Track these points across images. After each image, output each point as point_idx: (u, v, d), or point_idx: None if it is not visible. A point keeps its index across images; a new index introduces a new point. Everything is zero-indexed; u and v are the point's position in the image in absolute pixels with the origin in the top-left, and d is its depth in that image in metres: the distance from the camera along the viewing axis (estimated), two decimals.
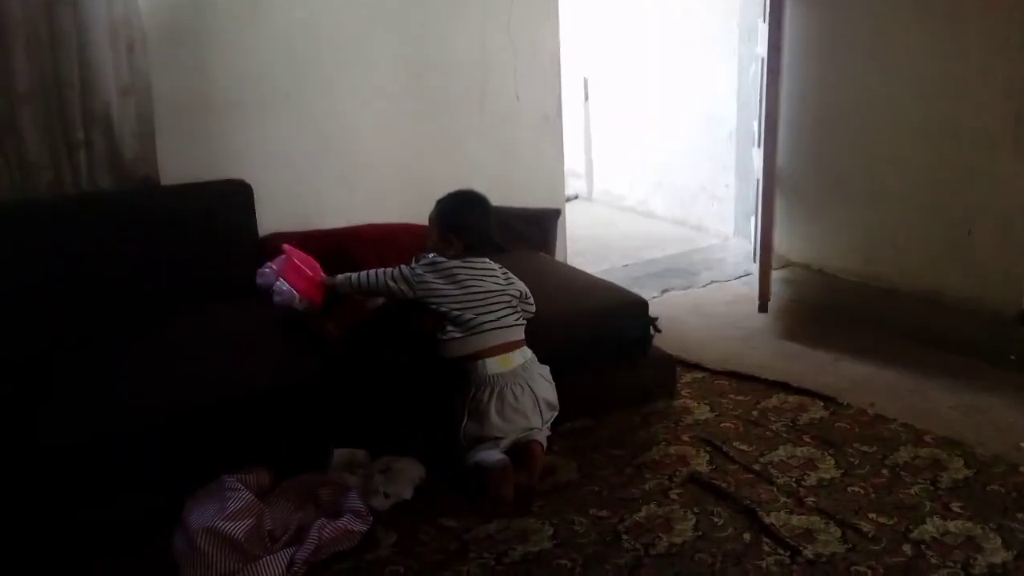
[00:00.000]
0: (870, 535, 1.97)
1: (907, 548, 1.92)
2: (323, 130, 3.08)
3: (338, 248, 2.92)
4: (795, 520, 2.04)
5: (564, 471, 2.29)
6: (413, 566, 1.92)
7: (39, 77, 2.50)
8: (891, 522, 2.02)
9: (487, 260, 2.39)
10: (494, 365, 2.25)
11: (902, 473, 2.23)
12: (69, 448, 1.91)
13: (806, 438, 2.44)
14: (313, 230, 3.00)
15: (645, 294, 3.46)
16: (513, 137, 3.49)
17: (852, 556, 1.90)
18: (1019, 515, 2.03)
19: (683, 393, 2.75)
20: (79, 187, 2.61)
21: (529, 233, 3.40)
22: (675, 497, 2.16)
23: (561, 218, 3.66)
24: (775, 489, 2.18)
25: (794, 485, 2.19)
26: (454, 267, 2.31)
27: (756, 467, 2.28)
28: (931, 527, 2.00)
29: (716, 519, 2.06)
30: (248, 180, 2.81)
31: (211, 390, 2.10)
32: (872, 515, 2.05)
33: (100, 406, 2.01)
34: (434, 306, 2.27)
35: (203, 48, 2.82)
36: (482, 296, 2.29)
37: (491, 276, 2.35)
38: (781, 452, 2.36)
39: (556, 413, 2.38)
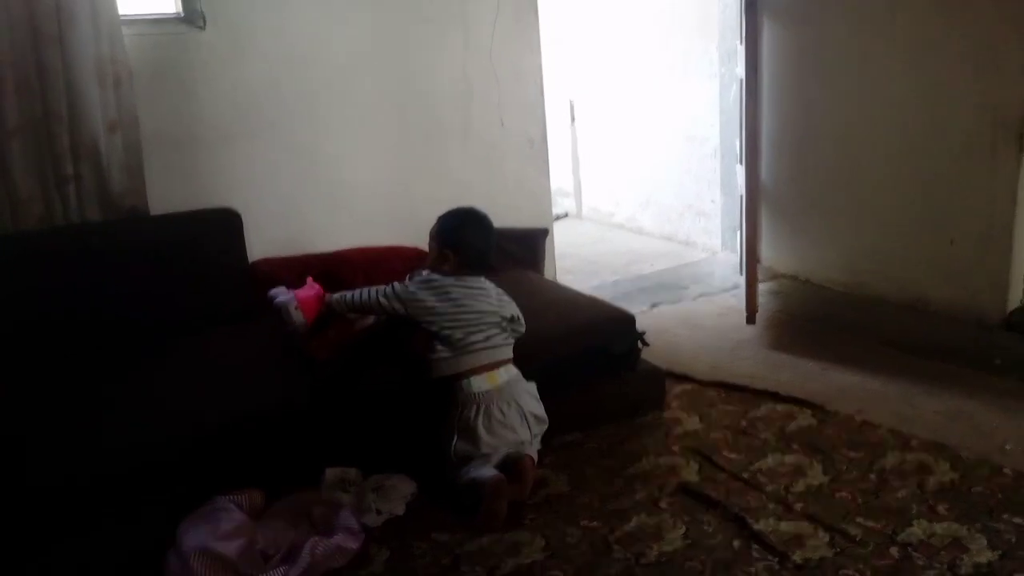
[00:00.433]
0: (858, 539, 1.99)
1: (894, 551, 1.94)
2: (309, 158, 3.13)
3: (326, 272, 2.95)
4: (784, 526, 2.06)
5: (555, 484, 2.31)
6: None
7: (28, 113, 2.54)
8: (879, 525, 2.04)
9: (482, 279, 2.40)
10: (480, 383, 2.27)
11: (889, 477, 2.26)
12: (58, 486, 1.92)
13: (794, 445, 2.46)
14: (301, 255, 3.04)
15: (634, 309, 3.51)
16: (499, 161, 3.55)
17: (840, 560, 1.92)
18: (1004, 515, 2.05)
19: (673, 405, 2.77)
20: (69, 220, 2.64)
21: (518, 252, 3.44)
22: (665, 507, 2.18)
23: (549, 237, 3.71)
24: (764, 496, 2.20)
25: (783, 492, 2.22)
26: (448, 285, 2.33)
27: (745, 475, 2.31)
28: (918, 529, 2.02)
29: (706, 527, 2.08)
30: (237, 208, 2.85)
31: (204, 417, 2.12)
32: (860, 519, 2.07)
33: (91, 440, 2.03)
34: (425, 324, 2.30)
35: (189, 82, 2.87)
36: (474, 316, 2.31)
37: (484, 296, 2.36)
38: (770, 460, 2.39)
39: (545, 427, 2.40)
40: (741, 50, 3.52)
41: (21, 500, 1.89)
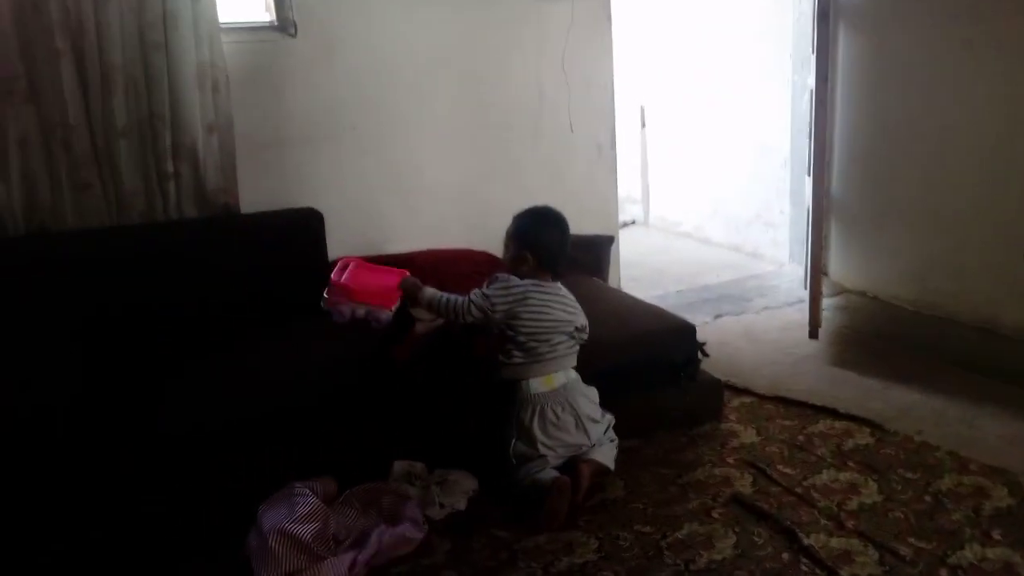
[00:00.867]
0: (907, 559, 2.02)
1: (944, 572, 1.97)
2: (388, 161, 3.27)
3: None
4: (834, 542, 2.10)
5: (611, 488, 2.40)
6: (466, 572, 2.05)
7: (135, 114, 2.74)
8: (929, 547, 2.07)
9: (559, 286, 2.43)
10: (537, 385, 2.36)
11: (944, 500, 2.27)
12: (146, 454, 2.12)
13: (850, 463, 2.49)
14: (376, 255, 3.18)
15: (698, 320, 3.56)
16: (568, 167, 3.63)
17: None
18: None
19: (731, 417, 2.82)
20: (168, 215, 2.84)
21: (583, 259, 3.52)
22: (717, 516, 2.25)
23: (615, 244, 3.78)
24: (816, 512, 2.24)
25: (835, 508, 2.25)
26: (528, 290, 2.36)
27: (799, 490, 2.35)
28: (969, 553, 2.04)
29: (756, 538, 2.14)
30: (319, 208, 3.01)
31: (285, 404, 2.29)
32: (911, 539, 2.10)
33: (174, 417, 2.24)
34: (511, 332, 2.35)
35: (279, 87, 3.04)
36: (551, 324, 2.37)
37: (560, 304, 2.40)
38: (824, 476, 2.42)
39: (612, 420, 2.46)
40: (812, 59, 3.53)
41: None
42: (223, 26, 2.88)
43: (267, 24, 3.09)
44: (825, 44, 3.51)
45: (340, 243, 3.11)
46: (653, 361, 2.71)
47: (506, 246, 2.49)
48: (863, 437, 2.64)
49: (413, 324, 2.48)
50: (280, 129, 3.07)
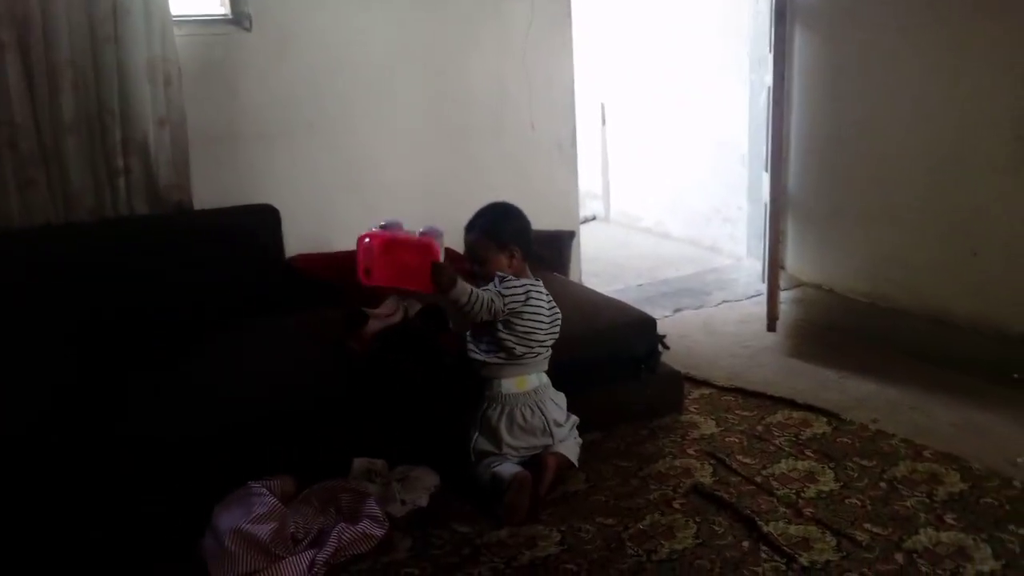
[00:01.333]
0: (864, 544, 2.05)
1: (899, 557, 2.01)
2: (346, 157, 3.24)
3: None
4: (793, 529, 2.13)
5: (573, 481, 2.39)
6: (427, 569, 2.03)
7: (84, 109, 2.68)
8: (885, 532, 2.10)
9: (541, 284, 2.41)
10: (509, 385, 2.35)
11: (899, 486, 2.31)
12: (101, 463, 2.05)
13: (808, 452, 2.52)
14: (337, 252, 3.15)
15: (657, 313, 3.58)
16: (529, 164, 3.63)
17: (846, 564, 1.99)
18: (1010, 527, 2.10)
19: (691, 408, 2.84)
20: (118, 212, 2.78)
21: (545, 254, 3.52)
22: (678, 507, 2.26)
23: (576, 239, 3.79)
24: (775, 500, 2.26)
25: (793, 496, 2.28)
26: (528, 289, 2.32)
27: (758, 479, 2.37)
28: (924, 537, 2.08)
29: (717, 527, 2.16)
30: (275, 204, 2.96)
31: (240, 405, 2.24)
32: (867, 525, 2.13)
33: (129, 422, 2.16)
34: (504, 332, 2.30)
35: (234, 81, 2.99)
36: (544, 326, 2.36)
37: (549, 308, 2.38)
38: (783, 465, 2.45)
39: (577, 420, 2.46)
40: (770, 58, 3.57)
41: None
42: (176, 19, 2.83)
43: (221, 17, 3.05)
44: (782, 43, 3.56)
45: (297, 240, 3.08)
46: (614, 354, 2.71)
47: (478, 257, 2.37)
48: (820, 427, 2.68)
49: (367, 320, 2.46)
50: (235, 124, 3.02)
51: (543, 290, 2.41)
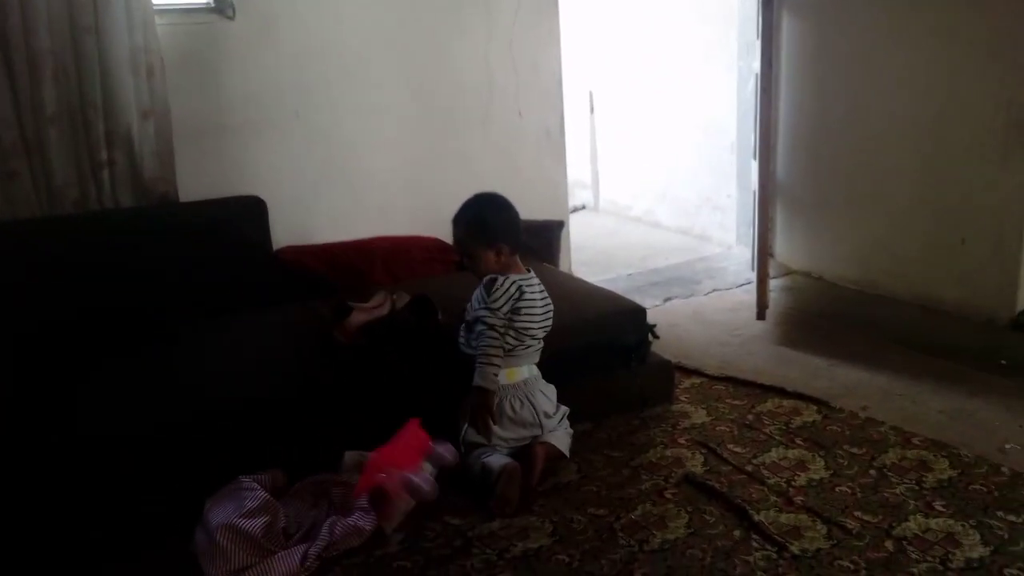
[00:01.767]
0: (854, 532, 2.06)
1: (889, 544, 2.01)
2: (332, 148, 3.21)
3: (347, 260, 3.05)
4: (783, 518, 2.13)
5: (564, 472, 2.39)
6: (419, 561, 2.03)
7: (65, 101, 2.64)
8: (875, 520, 2.11)
9: (534, 276, 2.40)
10: (500, 377, 2.34)
11: (889, 474, 2.32)
12: (91, 452, 2.03)
13: (798, 440, 2.53)
14: (324, 243, 3.13)
15: (647, 302, 3.58)
16: (517, 152, 3.62)
17: (836, 551, 1.99)
18: (999, 513, 2.11)
19: (681, 398, 2.84)
20: (103, 205, 2.75)
21: (534, 244, 3.51)
22: (670, 496, 2.26)
23: (565, 229, 3.78)
24: (766, 489, 2.27)
25: (784, 485, 2.29)
26: (519, 285, 2.31)
27: (749, 468, 2.38)
28: (914, 524, 2.09)
29: (708, 517, 2.16)
30: (262, 196, 2.94)
31: (229, 398, 2.22)
32: (857, 513, 2.14)
33: (117, 414, 2.14)
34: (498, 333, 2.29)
35: (218, 71, 2.96)
36: (539, 320, 2.36)
37: (541, 301, 2.37)
38: (773, 454, 2.46)
39: (567, 411, 2.45)
40: (758, 44, 3.56)
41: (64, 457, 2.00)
42: (157, 8, 2.80)
43: (204, 6, 3.02)
44: (769, 29, 3.55)
45: (285, 231, 3.06)
46: (604, 344, 2.71)
47: (471, 250, 2.35)
48: (810, 415, 2.69)
49: (351, 311, 2.44)
50: (220, 115, 2.99)
51: (535, 282, 2.40)
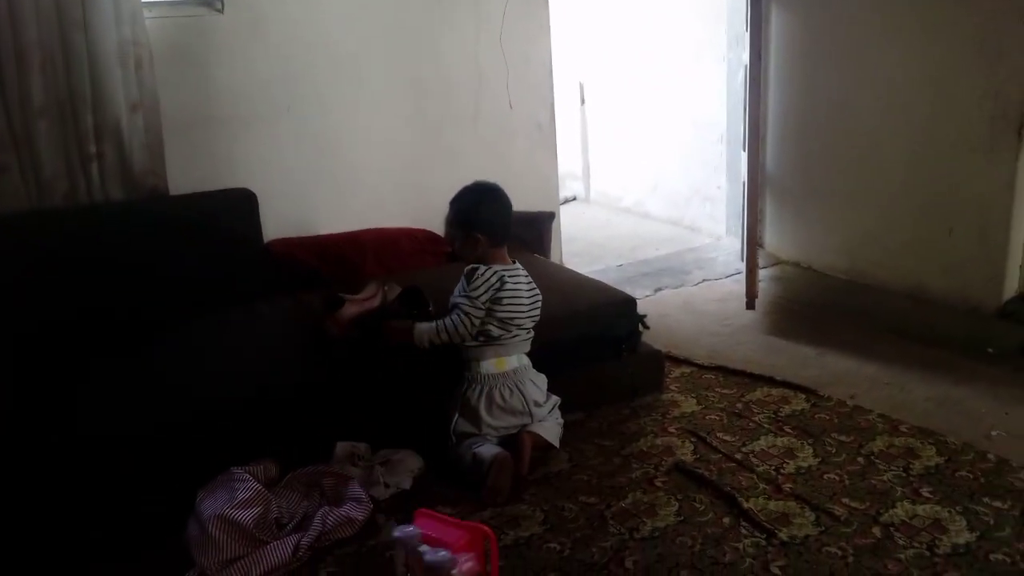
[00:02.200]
0: (842, 518, 2.09)
1: (876, 530, 2.04)
2: (322, 140, 3.20)
3: (338, 252, 3.05)
4: (772, 505, 2.16)
5: (555, 461, 2.41)
6: None
7: (54, 94, 2.63)
8: (863, 506, 2.14)
9: (520, 267, 2.42)
10: (489, 366, 2.36)
11: (876, 461, 2.35)
12: (85, 449, 2.03)
13: (787, 429, 2.55)
14: (315, 236, 3.13)
15: (638, 293, 3.60)
16: (507, 144, 3.62)
17: (824, 538, 2.02)
18: (984, 499, 2.14)
19: (671, 387, 2.86)
20: (92, 198, 2.74)
21: (525, 235, 3.52)
22: (660, 485, 2.28)
23: (556, 220, 3.78)
24: (755, 477, 2.29)
25: (773, 473, 2.31)
26: (501, 275, 2.33)
27: (738, 456, 2.40)
28: (901, 511, 2.11)
29: (698, 505, 2.18)
30: (252, 189, 2.93)
31: (220, 390, 2.22)
32: (845, 500, 2.17)
33: (110, 411, 2.13)
34: (486, 318, 2.33)
35: (207, 64, 2.94)
36: (524, 310, 2.37)
37: (527, 293, 2.39)
38: (762, 442, 2.48)
39: (558, 400, 2.47)
40: (747, 37, 3.57)
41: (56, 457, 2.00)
42: (145, 1, 2.77)
43: None
44: (759, 21, 3.56)
45: (276, 225, 3.05)
46: (595, 335, 2.72)
47: (452, 236, 2.43)
48: (799, 403, 2.71)
49: (343, 304, 2.45)
50: (209, 108, 2.98)
51: (521, 273, 2.41)
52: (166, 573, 1.97)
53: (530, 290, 2.41)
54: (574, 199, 5.83)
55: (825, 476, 2.28)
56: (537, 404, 2.40)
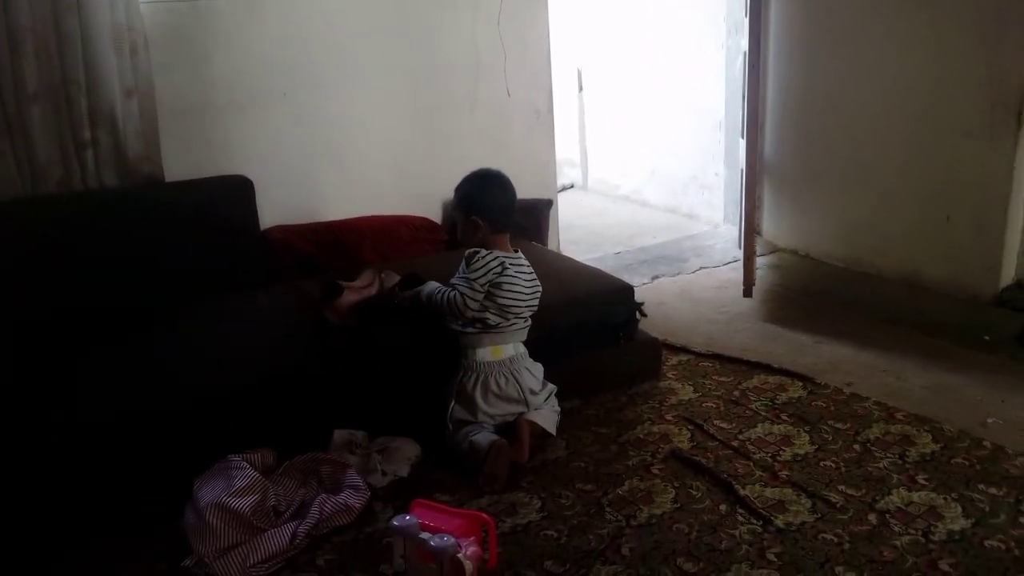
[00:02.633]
0: (838, 505, 2.09)
1: (872, 517, 2.04)
2: (319, 127, 3.19)
3: (335, 239, 3.04)
4: (768, 492, 2.16)
5: (552, 448, 2.41)
6: None
7: (48, 79, 2.61)
8: (859, 493, 2.14)
9: (522, 257, 2.42)
10: (485, 354, 2.36)
11: (872, 448, 2.35)
12: (83, 435, 2.03)
13: (784, 416, 2.55)
14: (312, 223, 3.12)
15: (635, 281, 3.60)
16: (505, 131, 3.60)
17: (820, 525, 2.03)
18: (980, 486, 2.15)
19: (669, 375, 2.86)
20: (87, 185, 2.72)
21: (522, 223, 3.51)
22: (657, 472, 2.28)
23: (553, 208, 3.78)
24: (751, 464, 2.30)
25: (770, 460, 2.32)
26: (502, 261, 2.33)
27: (735, 443, 2.40)
28: (896, 498, 2.12)
29: (694, 492, 2.18)
30: (248, 176, 2.92)
31: (218, 377, 2.22)
32: (841, 487, 2.17)
33: (108, 397, 2.13)
34: (486, 304, 2.33)
35: (203, 49, 2.93)
36: (524, 298, 2.37)
37: (528, 281, 2.39)
38: (759, 429, 2.48)
39: (554, 389, 2.47)
40: (746, 23, 3.56)
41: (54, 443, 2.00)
42: None
43: None
44: (758, 8, 3.54)
45: (273, 211, 3.04)
46: (593, 322, 2.72)
47: (455, 219, 2.44)
48: (795, 391, 2.71)
49: (342, 292, 2.44)
50: (205, 94, 2.96)
51: (523, 262, 2.41)
52: (163, 558, 1.97)
53: (531, 280, 2.41)
54: (572, 187, 5.82)
55: (821, 463, 2.29)
56: (533, 392, 2.40)
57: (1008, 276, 3.22)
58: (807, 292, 3.63)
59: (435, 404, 2.40)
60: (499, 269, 2.32)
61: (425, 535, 1.80)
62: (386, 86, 3.30)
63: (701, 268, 4.00)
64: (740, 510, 2.09)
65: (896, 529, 2.00)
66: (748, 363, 2.91)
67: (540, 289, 2.44)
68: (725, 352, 3.00)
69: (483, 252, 2.33)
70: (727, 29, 4.35)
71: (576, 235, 4.48)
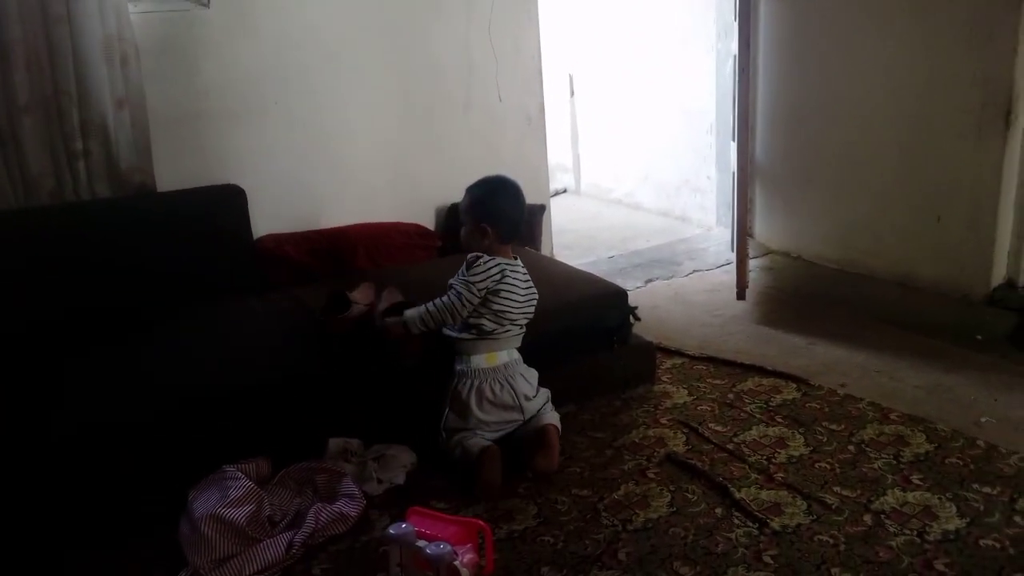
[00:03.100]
0: (834, 507, 2.10)
1: (867, 518, 2.05)
2: (312, 135, 3.19)
3: (329, 247, 3.04)
4: (764, 495, 2.17)
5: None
6: None
7: (39, 91, 2.61)
8: (854, 494, 2.15)
9: (521, 264, 2.42)
10: (479, 360, 2.36)
11: (867, 449, 2.36)
12: (79, 441, 2.02)
13: (778, 418, 2.56)
14: (305, 231, 3.12)
15: (629, 284, 3.60)
16: (498, 137, 3.61)
17: (816, 526, 2.03)
18: (974, 485, 2.15)
19: (663, 378, 2.87)
20: (79, 196, 2.72)
21: None
22: (652, 476, 2.29)
23: (546, 213, 3.78)
24: (747, 466, 2.30)
25: (765, 462, 2.32)
26: (503, 267, 2.33)
27: (730, 446, 2.41)
28: (891, 498, 2.12)
29: (690, 495, 2.19)
30: (241, 184, 2.92)
31: (212, 387, 2.21)
32: (837, 488, 2.18)
33: (103, 404, 2.12)
34: (481, 310, 2.32)
35: (194, 59, 2.92)
36: (519, 305, 2.37)
37: (525, 287, 2.39)
38: (754, 432, 2.49)
39: (549, 393, 2.47)
40: (736, 26, 3.57)
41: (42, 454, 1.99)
42: None
43: None
44: (747, 11, 3.56)
45: (265, 220, 3.04)
46: (586, 327, 2.73)
47: (464, 221, 2.42)
48: (790, 392, 2.72)
49: (350, 306, 2.43)
50: (197, 103, 2.96)
51: (520, 269, 2.41)
52: (158, 568, 1.97)
53: (526, 287, 2.41)
54: (564, 191, 5.83)
55: (816, 465, 2.30)
56: (527, 398, 2.40)
57: (999, 275, 3.23)
58: (800, 294, 3.64)
59: (431, 411, 2.39)
60: (499, 276, 2.32)
61: (421, 543, 1.81)
62: (378, 93, 3.31)
63: (694, 271, 4.00)
64: (736, 513, 2.10)
65: (891, 529, 2.00)
66: (742, 366, 2.91)
67: (536, 297, 2.44)
68: (719, 355, 3.01)
69: (485, 258, 2.33)
70: (717, 32, 4.37)
71: (569, 239, 4.49)
